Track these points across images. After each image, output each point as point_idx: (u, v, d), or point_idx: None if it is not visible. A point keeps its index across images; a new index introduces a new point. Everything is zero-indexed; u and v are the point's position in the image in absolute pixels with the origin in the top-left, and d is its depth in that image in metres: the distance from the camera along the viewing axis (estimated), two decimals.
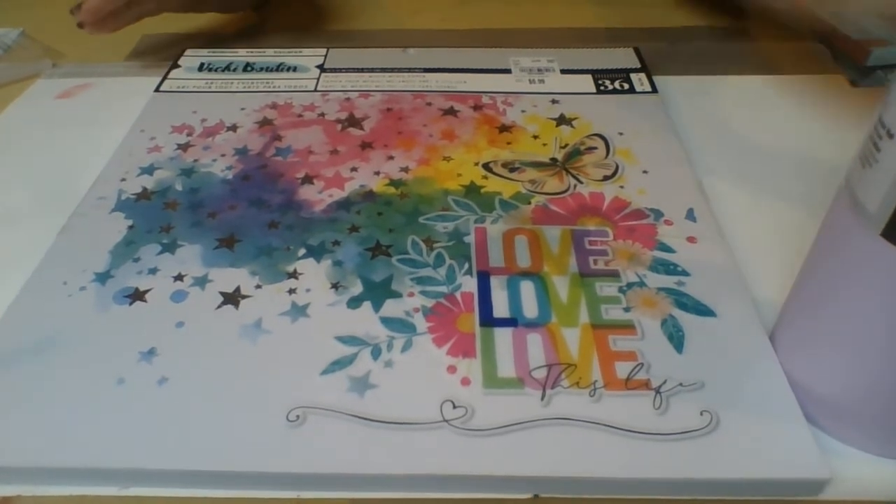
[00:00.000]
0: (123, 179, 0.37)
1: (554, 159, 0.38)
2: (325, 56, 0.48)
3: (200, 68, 0.47)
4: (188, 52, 0.49)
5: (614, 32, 0.53)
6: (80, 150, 0.41)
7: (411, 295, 0.30)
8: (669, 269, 0.31)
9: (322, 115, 0.42)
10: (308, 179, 0.37)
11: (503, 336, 0.28)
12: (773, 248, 0.33)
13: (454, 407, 0.26)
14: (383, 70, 0.46)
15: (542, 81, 0.45)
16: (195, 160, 0.38)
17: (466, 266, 0.31)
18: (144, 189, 0.36)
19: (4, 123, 0.44)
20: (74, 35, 0.52)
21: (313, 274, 0.31)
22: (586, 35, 0.53)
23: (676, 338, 0.28)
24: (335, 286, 0.31)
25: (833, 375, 0.25)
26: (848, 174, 0.23)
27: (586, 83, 0.45)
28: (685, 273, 0.31)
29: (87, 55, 0.47)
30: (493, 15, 0.56)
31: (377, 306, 0.30)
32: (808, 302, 0.26)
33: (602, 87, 0.44)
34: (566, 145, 0.39)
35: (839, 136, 0.41)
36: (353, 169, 0.37)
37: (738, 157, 0.40)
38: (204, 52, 0.49)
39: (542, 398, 0.26)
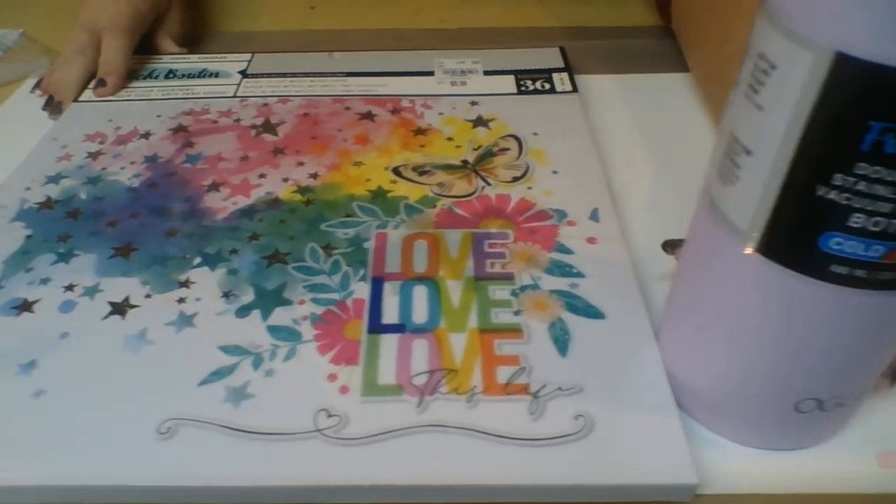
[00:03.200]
0: (28, 189, 0.37)
1: (465, 161, 0.38)
2: (249, 61, 0.47)
3: None
4: None
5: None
6: None
7: (302, 303, 0.30)
8: (565, 270, 0.31)
9: (238, 120, 0.41)
10: (215, 187, 0.36)
11: (389, 343, 0.28)
12: None
13: (328, 416, 0.25)
14: (305, 75, 0.46)
15: (464, 83, 0.44)
16: (103, 168, 0.38)
17: (362, 272, 0.31)
18: (48, 198, 0.36)
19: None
20: None
21: (205, 283, 0.31)
22: (584, 33, 0.53)
23: (562, 341, 0.28)
24: (226, 295, 0.30)
25: (707, 372, 0.25)
26: (707, 185, 0.23)
27: (508, 84, 0.44)
28: (580, 275, 0.31)
29: None
30: (494, 15, 0.56)
31: (266, 314, 0.29)
32: (683, 303, 0.26)
33: (523, 88, 0.44)
34: (479, 147, 0.39)
35: None
36: (262, 176, 0.37)
37: (654, 156, 0.39)
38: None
39: (419, 405, 0.26)
